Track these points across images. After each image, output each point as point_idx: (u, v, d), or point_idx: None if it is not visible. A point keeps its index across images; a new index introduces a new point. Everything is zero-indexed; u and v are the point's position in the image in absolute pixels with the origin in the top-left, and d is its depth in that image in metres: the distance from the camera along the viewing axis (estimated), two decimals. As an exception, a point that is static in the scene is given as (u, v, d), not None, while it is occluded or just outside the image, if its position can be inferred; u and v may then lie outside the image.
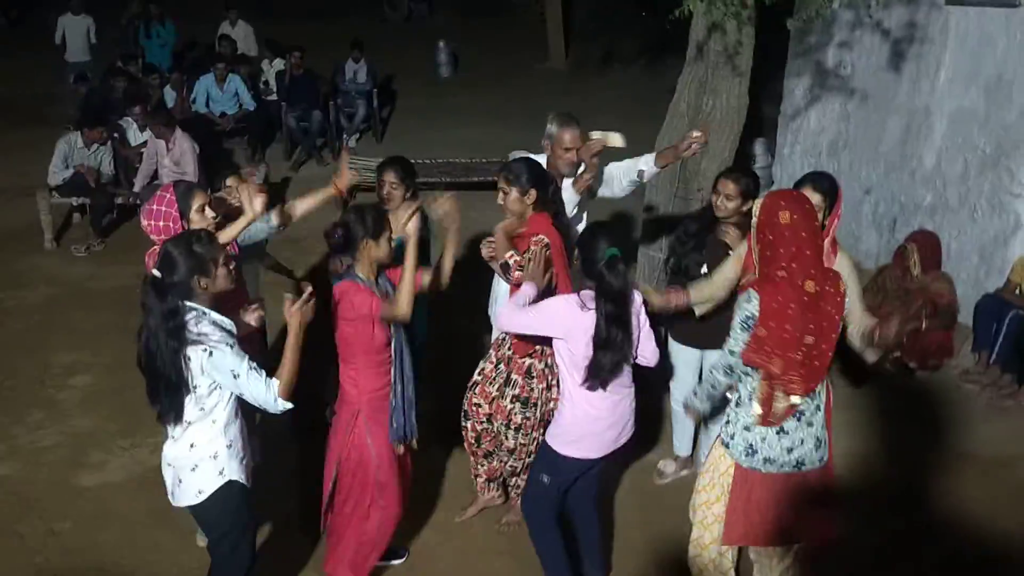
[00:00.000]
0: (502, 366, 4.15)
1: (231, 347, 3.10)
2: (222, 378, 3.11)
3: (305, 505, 4.30)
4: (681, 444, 4.84)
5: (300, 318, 3.19)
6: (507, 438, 4.20)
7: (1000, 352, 5.72)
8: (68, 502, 4.64)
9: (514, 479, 4.39)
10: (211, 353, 3.05)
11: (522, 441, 4.20)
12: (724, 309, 4.04)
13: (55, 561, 4.22)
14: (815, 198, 3.67)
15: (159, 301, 3.03)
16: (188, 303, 3.08)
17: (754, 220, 3.23)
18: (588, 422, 3.60)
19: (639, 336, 3.65)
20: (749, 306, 3.17)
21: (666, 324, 4.52)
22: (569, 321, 3.50)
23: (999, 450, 5.13)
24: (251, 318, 3.73)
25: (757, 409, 3.24)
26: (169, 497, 3.33)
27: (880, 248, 7.19)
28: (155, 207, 3.75)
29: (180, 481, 3.24)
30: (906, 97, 6.86)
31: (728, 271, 3.96)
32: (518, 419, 4.15)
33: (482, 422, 4.21)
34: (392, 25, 17.80)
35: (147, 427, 5.03)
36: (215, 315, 3.15)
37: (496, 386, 4.15)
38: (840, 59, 7.48)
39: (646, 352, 3.72)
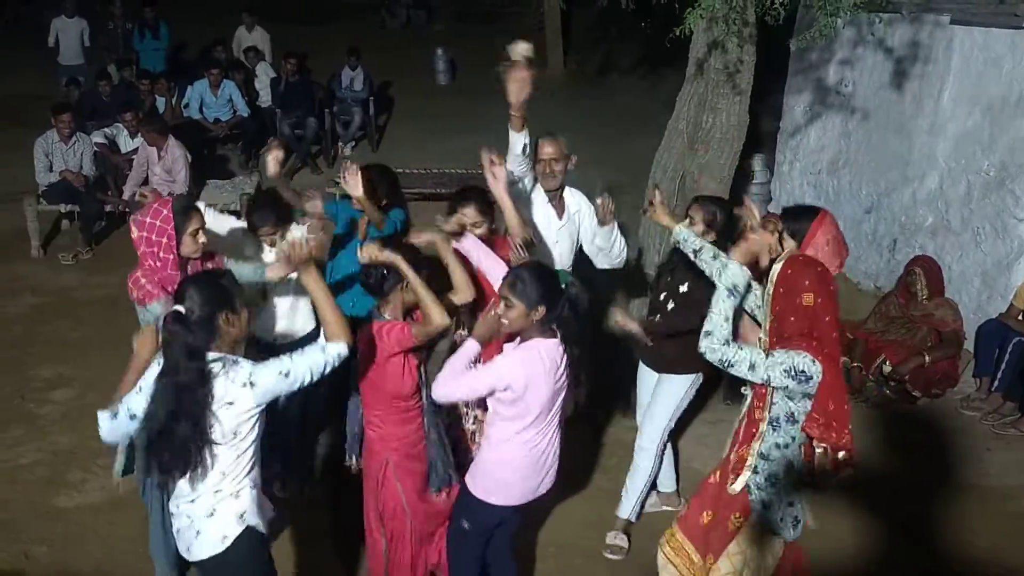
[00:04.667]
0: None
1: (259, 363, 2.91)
2: (275, 389, 2.86)
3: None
4: (664, 480, 4.65)
5: (307, 251, 3.05)
6: None
7: (1002, 379, 5.62)
8: (44, 524, 4.51)
9: None
10: (253, 384, 2.83)
11: None
12: (688, 335, 3.90)
13: (29, 587, 4.10)
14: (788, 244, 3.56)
15: (186, 339, 2.78)
16: (212, 353, 2.86)
17: (770, 287, 3.11)
18: (511, 469, 3.40)
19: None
20: (812, 368, 3.00)
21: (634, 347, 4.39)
22: (532, 371, 3.24)
23: (1001, 481, 5.03)
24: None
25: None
26: (184, 555, 3.03)
27: (879, 268, 7.09)
28: (150, 220, 3.62)
29: (199, 533, 2.94)
30: (909, 117, 6.77)
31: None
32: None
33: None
34: (390, 32, 17.69)
35: (129, 446, 4.91)
36: (245, 362, 2.92)
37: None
38: (841, 76, 7.39)
39: None
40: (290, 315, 4.45)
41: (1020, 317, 5.71)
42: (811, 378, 3.00)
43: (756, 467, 3.18)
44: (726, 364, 3.08)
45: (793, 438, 3.12)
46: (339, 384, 4.20)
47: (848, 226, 7.28)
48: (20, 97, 12.09)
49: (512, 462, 3.40)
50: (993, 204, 6.08)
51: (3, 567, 4.20)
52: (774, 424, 3.12)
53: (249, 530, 2.97)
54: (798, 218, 3.56)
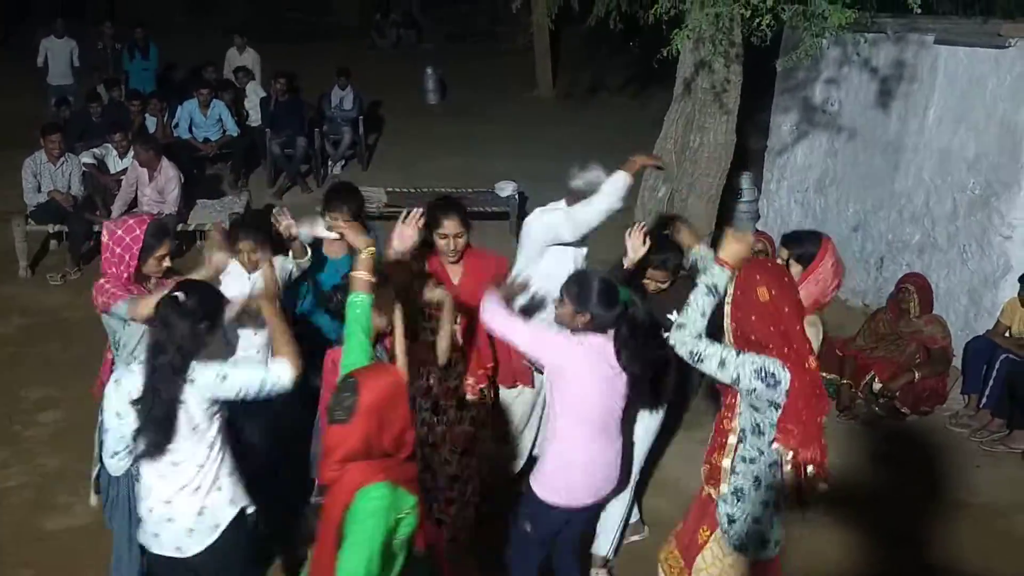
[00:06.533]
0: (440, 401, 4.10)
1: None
2: (212, 389, 2.97)
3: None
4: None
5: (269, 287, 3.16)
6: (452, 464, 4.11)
7: (990, 396, 5.65)
8: (30, 548, 4.46)
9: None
10: (192, 380, 2.96)
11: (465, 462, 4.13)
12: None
13: (14, 612, 4.06)
14: (795, 269, 3.57)
15: (180, 323, 2.95)
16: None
17: (729, 296, 3.10)
18: (575, 467, 3.47)
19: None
20: (781, 373, 2.95)
21: None
22: (573, 353, 3.39)
23: (991, 498, 5.04)
24: None
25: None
26: (175, 553, 3.12)
27: (867, 286, 7.12)
28: (120, 233, 3.63)
29: (192, 530, 3.08)
30: (894, 135, 6.83)
31: None
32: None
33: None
34: (380, 51, 17.77)
35: (116, 468, 4.87)
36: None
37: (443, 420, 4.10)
38: (827, 96, 7.45)
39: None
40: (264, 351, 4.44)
41: (1007, 334, 5.75)
42: (779, 383, 2.94)
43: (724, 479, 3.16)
44: (696, 358, 3.04)
45: (761, 452, 3.06)
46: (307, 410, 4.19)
47: (835, 244, 7.29)
48: (8, 117, 12.06)
49: (575, 460, 3.46)
50: (979, 222, 6.13)
51: (-11, 591, 4.17)
52: (740, 436, 3.09)
53: (241, 512, 3.15)
54: (802, 243, 3.59)
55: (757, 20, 4.91)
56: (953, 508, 4.90)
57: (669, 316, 3.99)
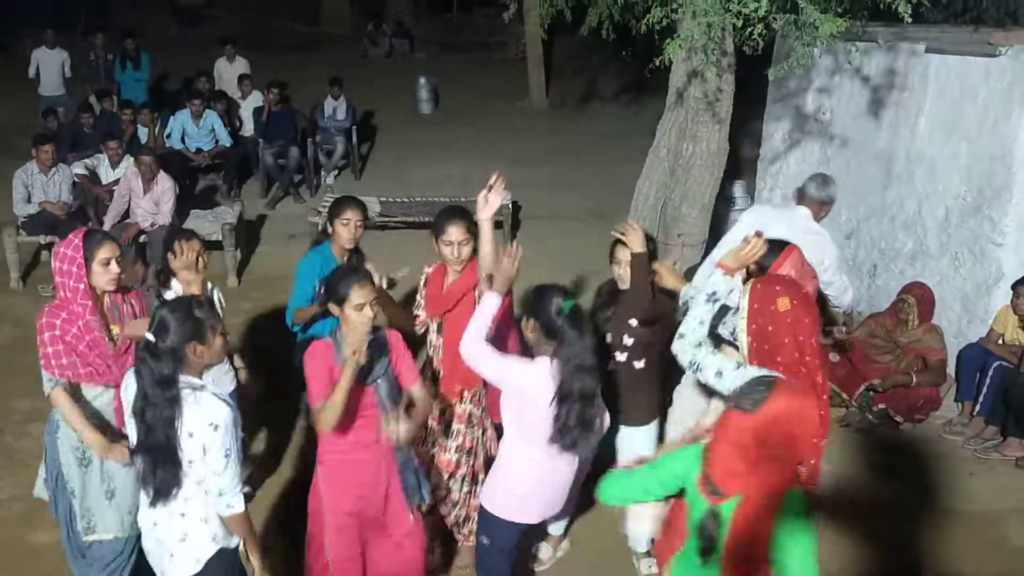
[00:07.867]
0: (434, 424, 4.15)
1: (231, 427, 2.94)
2: (212, 455, 2.92)
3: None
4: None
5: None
6: (452, 490, 4.18)
7: (984, 403, 5.65)
8: (21, 562, 4.43)
9: (466, 526, 4.31)
10: (216, 427, 2.90)
11: (466, 490, 4.18)
12: (642, 386, 4.02)
13: (4, 627, 4.02)
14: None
15: (154, 367, 2.88)
16: (183, 376, 2.94)
17: (743, 310, 3.04)
18: (523, 485, 3.51)
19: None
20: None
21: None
22: (527, 384, 3.40)
23: (985, 506, 5.04)
24: None
25: None
26: (159, 574, 3.11)
27: (860, 294, 7.12)
28: (63, 249, 3.55)
29: (172, 555, 3.03)
30: (886, 143, 6.84)
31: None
32: (463, 470, 4.15)
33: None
34: (373, 61, 17.78)
35: (108, 480, 4.83)
36: (212, 387, 3.01)
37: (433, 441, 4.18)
38: (820, 104, 7.46)
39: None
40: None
41: (1000, 341, 5.76)
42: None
43: None
44: (695, 367, 3.04)
45: None
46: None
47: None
48: (2, 128, 12.04)
49: (520, 480, 3.50)
50: (971, 229, 6.14)
51: (-22, 606, 4.13)
52: None
53: (221, 551, 3.06)
54: (767, 252, 3.61)
55: (749, 29, 4.93)
56: (947, 516, 4.90)
57: (618, 337, 4.09)
